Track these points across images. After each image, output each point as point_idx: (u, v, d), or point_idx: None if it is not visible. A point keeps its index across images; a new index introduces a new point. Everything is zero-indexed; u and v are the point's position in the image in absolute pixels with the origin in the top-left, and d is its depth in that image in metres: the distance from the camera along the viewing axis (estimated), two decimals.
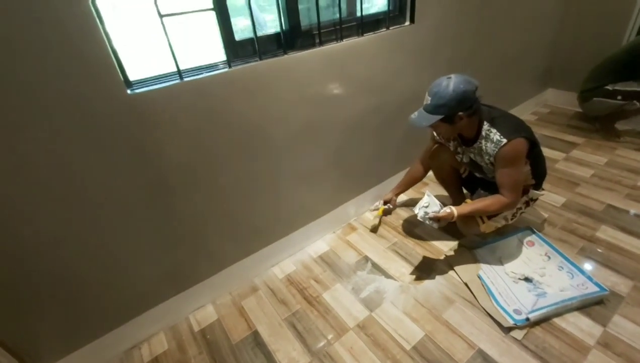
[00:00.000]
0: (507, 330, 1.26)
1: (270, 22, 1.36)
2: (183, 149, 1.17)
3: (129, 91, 1.01)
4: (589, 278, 1.38)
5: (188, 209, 1.28)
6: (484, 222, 1.46)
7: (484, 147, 1.35)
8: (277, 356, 1.27)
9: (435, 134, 1.57)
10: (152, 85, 1.06)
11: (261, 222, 1.53)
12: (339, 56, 1.44)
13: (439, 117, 1.25)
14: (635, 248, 1.53)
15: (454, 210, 1.34)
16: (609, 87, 2.22)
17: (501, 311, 1.31)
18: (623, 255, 1.51)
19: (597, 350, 1.18)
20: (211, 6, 1.12)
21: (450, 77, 1.26)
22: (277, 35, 1.33)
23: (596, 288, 1.33)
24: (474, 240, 1.64)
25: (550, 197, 1.89)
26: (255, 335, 1.34)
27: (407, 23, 1.64)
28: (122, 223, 1.15)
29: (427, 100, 1.29)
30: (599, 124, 2.45)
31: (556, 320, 1.28)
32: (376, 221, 1.77)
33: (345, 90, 1.53)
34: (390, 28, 1.58)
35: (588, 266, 1.46)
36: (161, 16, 1.01)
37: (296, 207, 1.63)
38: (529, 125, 1.37)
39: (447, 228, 1.71)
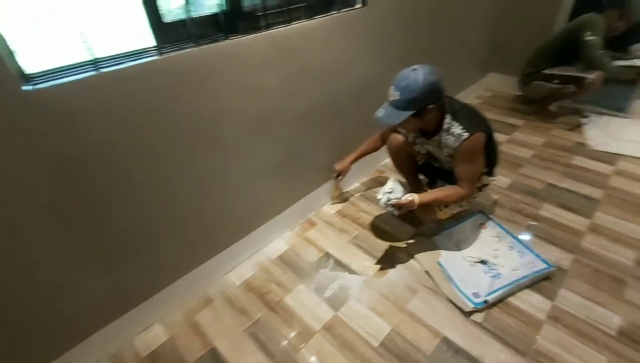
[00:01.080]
0: (468, 314, 1.29)
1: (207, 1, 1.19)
2: (110, 152, 0.99)
3: (26, 87, 0.81)
4: (537, 256, 1.45)
5: (125, 219, 1.10)
6: (441, 210, 1.48)
7: (444, 140, 1.33)
8: None
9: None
10: (58, 78, 0.86)
11: (213, 225, 1.39)
12: (288, 41, 1.32)
13: (411, 112, 1.20)
14: (573, 223, 1.65)
15: (416, 197, 1.32)
16: (547, 72, 2.36)
17: (461, 296, 1.34)
18: (564, 230, 1.62)
19: (548, 324, 1.25)
20: None
21: (415, 69, 1.20)
22: (215, 16, 1.17)
23: (544, 265, 1.41)
24: (432, 228, 1.66)
25: (498, 179, 1.98)
26: (214, 352, 1.23)
27: (360, 5, 1.56)
28: (44, 243, 0.95)
29: (395, 95, 1.22)
30: (535, 106, 2.61)
31: (510, 300, 1.34)
32: (336, 192, 1.82)
33: (297, 79, 1.42)
34: (342, 10, 1.49)
35: (535, 244, 1.54)
36: None
37: (251, 206, 1.52)
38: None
39: (406, 216, 1.72)
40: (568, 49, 2.29)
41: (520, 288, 1.36)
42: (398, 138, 1.59)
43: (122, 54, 1.00)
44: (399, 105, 1.22)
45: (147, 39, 1.07)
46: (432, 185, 1.75)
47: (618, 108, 2.49)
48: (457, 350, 1.19)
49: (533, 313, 1.28)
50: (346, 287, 1.43)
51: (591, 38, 2.14)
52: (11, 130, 0.81)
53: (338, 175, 1.73)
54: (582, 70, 2.27)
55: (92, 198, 1.00)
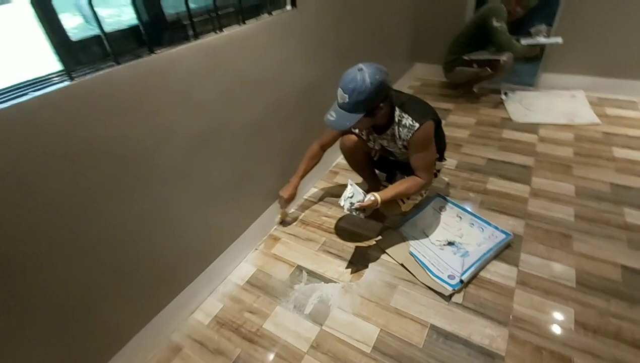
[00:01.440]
0: (449, 297, 1.31)
1: (110, 17, 1.04)
2: (20, 207, 0.80)
3: None
4: (495, 227, 1.54)
5: (56, 282, 0.91)
6: (404, 203, 1.49)
7: (397, 133, 1.34)
8: None
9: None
10: None
11: (166, 265, 1.23)
12: (221, 50, 1.21)
13: (362, 114, 1.18)
14: (516, 191, 1.79)
15: (378, 197, 1.31)
16: (466, 57, 2.55)
17: (439, 281, 1.35)
18: (510, 199, 1.75)
19: (519, 290, 1.32)
20: None
21: (361, 69, 1.18)
22: (135, 29, 1.02)
23: (503, 235, 1.49)
24: (396, 220, 1.67)
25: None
26: None
27: (289, 7, 1.51)
28: None
29: (344, 98, 1.19)
30: (461, 89, 2.82)
31: (482, 274, 1.39)
32: (282, 216, 1.75)
33: (235, 90, 1.32)
34: (273, 13, 1.43)
35: (490, 216, 1.63)
36: None
37: (207, 233, 1.37)
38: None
39: (371, 215, 1.71)
40: (480, 36, 2.50)
41: (488, 261, 1.42)
42: (351, 138, 1.58)
43: (21, 83, 0.81)
44: (349, 108, 1.20)
45: (53, 64, 0.90)
46: (390, 179, 1.77)
47: (528, 83, 2.79)
48: (447, 335, 1.20)
49: (504, 283, 1.35)
50: (326, 298, 1.37)
51: (498, 24, 2.36)
52: None
53: (286, 201, 1.61)
54: (495, 53, 2.50)
55: (10, 266, 0.80)
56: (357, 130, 1.54)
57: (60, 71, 0.87)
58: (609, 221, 1.57)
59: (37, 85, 0.81)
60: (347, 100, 1.18)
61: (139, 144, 1.02)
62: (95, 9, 0.86)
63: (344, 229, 1.69)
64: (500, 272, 1.39)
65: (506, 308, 1.26)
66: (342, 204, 1.29)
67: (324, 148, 1.62)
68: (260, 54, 1.39)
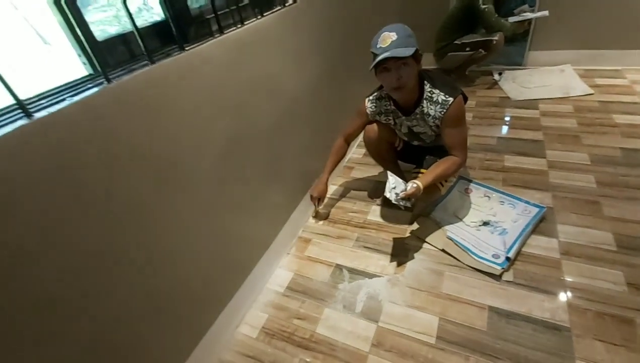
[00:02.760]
0: (500, 277, 1.29)
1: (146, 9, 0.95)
2: (55, 234, 0.70)
3: None
4: (527, 202, 1.54)
5: (99, 320, 0.80)
6: (442, 186, 1.46)
7: (427, 110, 1.31)
8: None
9: (371, 108, 1.47)
10: None
11: (206, 285, 1.13)
12: (245, 44, 1.14)
13: (414, 48, 1.16)
14: (535, 165, 1.81)
15: (419, 183, 1.27)
16: (458, 42, 2.58)
17: (484, 262, 1.33)
18: (532, 173, 1.76)
19: (565, 260, 1.32)
20: None
21: (387, 26, 1.20)
22: (160, 25, 0.94)
23: (537, 209, 1.50)
24: (425, 207, 1.65)
25: None
26: None
27: (291, 2, 1.44)
28: None
29: (392, 37, 1.15)
30: (454, 74, 2.85)
31: (524, 250, 1.38)
32: (319, 213, 1.70)
33: (260, 84, 1.25)
34: (286, 5, 1.36)
35: (517, 192, 1.64)
36: None
37: (241, 245, 1.29)
38: None
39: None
40: (468, 19, 2.54)
41: (528, 236, 1.42)
42: (374, 128, 1.54)
43: (56, 88, 0.72)
44: (401, 43, 1.15)
45: (76, 69, 0.80)
46: (419, 166, 1.74)
47: (517, 63, 2.87)
48: (508, 315, 1.17)
49: (548, 255, 1.35)
50: (374, 294, 1.32)
51: (485, 6, 2.40)
52: None
53: (319, 200, 1.59)
54: (485, 34, 2.55)
55: (45, 304, 0.70)
56: (382, 117, 1.49)
57: (93, 75, 0.77)
58: (628, 184, 1.61)
59: (73, 89, 0.72)
60: (395, 37, 1.15)
61: (179, 147, 0.94)
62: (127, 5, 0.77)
63: (375, 222, 1.65)
64: (541, 245, 1.39)
65: (558, 280, 1.26)
66: (388, 196, 1.24)
67: (348, 140, 1.58)
68: (277, 46, 1.33)
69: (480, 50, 2.52)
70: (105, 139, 0.74)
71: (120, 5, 0.77)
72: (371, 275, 1.39)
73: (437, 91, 1.28)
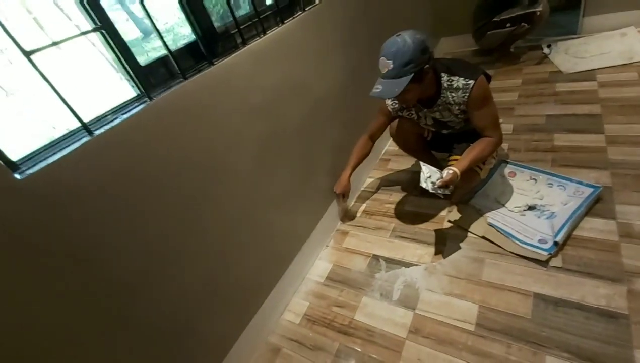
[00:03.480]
0: (546, 262, 1.22)
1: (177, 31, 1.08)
2: (119, 227, 0.83)
3: (17, 176, 0.66)
4: (579, 182, 1.43)
5: (152, 306, 0.93)
6: (481, 169, 1.41)
7: (449, 99, 1.29)
8: None
9: (392, 106, 1.48)
10: (48, 157, 0.71)
11: (252, 272, 1.24)
12: (267, 53, 1.23)
13: (409, 77, 1.13)
14: (591, 142, 1.65)
15: (455, 169, 1.23)
16: (497, 19, 2.43)
17: (529, 247, 1.27)
18: (586, 151, 1.61)
19: (625, 243, 1.20)
20: (93, 25, 0.80)
21: (399, 34, 1.15)
22: (191, 45, 1.06)
23: (591, 189, 1.38)
24: (465, 194, 1.59)
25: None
26: None
27: (318, 1, 1.50)
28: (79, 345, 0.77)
29: (388, 65, 1.15)
30: (497, 53, 2.68)
31: (576, 233, 1.29)
32: (344, 212, 1.72)
33: (284, 90, 1.33)
34: (306, 9, 1.43)
35: (569, 172, 1.52)
36: (27, 54, 0.68)
37: (281, 238, 1.38)
38: None
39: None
40: None
41: (580, 219, 1.31)
42: (399, 123, 1.53)
43: (110, 110, 0.86)
44: (396, 73, 1.14)
45: (128, 91, 0.94)
46: (451, 156, 1.70)
47: (570, 32, 2.60)
48: (556, 302, 1.11)
49: (605, 238, 1.24)
50: (411, 282, 1.33)
51: None
52: (19, 226, 0.65)
53: (343, 196, 1.60)
54: (527, 6, 2.36)
55: (111, 293, 0.84)
56: (405, 112, 1.49)
57: (138, 95, 0.91)
58: None
59: (123, 110, 0.85)
60: (391, 65, 1.14)
61: (215, 151, 1.06)
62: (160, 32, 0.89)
63: (411, 212, 1.64)
64: (597, 228, 1.28)
65: (616, 264, 1.15)
66: (424, 186, 1.23)
67: (373, 138, 1.58)
68: (299, 51, 1.39)
69: (522, 24, 2.34)
70: (149, 149, 0.87)
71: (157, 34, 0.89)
72: (408, 264, 1.40)
73: (455, 78, 1.24)
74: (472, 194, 1.58)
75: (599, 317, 1.04)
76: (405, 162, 1.97)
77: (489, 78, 1.32)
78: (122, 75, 0.91)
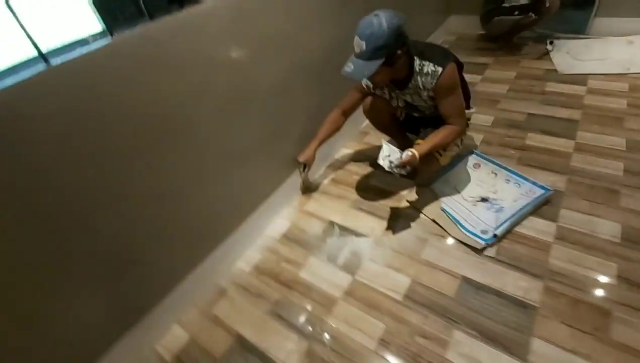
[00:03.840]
0: (481, 251, 1.31)
1: None
2: (77, 157, 0.87)
3: None
4: (533, 183, 1.49)
5: (109, 230, 1.00)
6: (441, 155, 1.46)
7: (419, 83, 1.30)
8: (272, 352, 1.15)
9: (366, 83, 1.47)
10: (3, 80, 0.74)
11: (206, 219, 1.32)
12: (249, 4, 1.20)
13: (381, 61, 1.14)
14: (559, 147, 1.69)
15: (415, 152, 1.28)
16: (506, 4, 2.35)
17: (471, 236, 1.35)
18: (552, 155, 1.66)
19: (557, 244, 1.29)
20: None
21: (377, 14, 1.15)
22: None
23: (542, 191, 1.44)
24: (428, 177, 1.65)
25: (480, 118, 1.98)
26: (240, 340, 1.19)
27: None
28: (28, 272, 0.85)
29: (361, 45, 1.15)
30: (501, 41, 2.62)
31: (517, 229, 1.37)
32: (305, 184, 1.71)
33: (262, 48, 1.32)
34: None
35: (529, 172, 1.57)
36: None
37: (242, 191, 1.44)
38: None
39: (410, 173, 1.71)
40: None
41: (524, 217, 1.39)
42: (372, 101, 1.54)
43: (71, 42, 0.87)
44: (367, 56, 1.16)
45: (94, 25, 0.94)
46: (420, 136, 1.73)
47: (578, 30, 2.53)
48: (479, 287, 1.21)
49: (540, 238, 1.32)
50: (358, 251, 1.42)
51: None
52: None
53: (304, 167, 1.58)
54: None
55: (70, 215, 0.90)
56: (378, 90, 1.49)
57: (102, 30, 0.91)
58: None
59: (84, 43, 0.86)
60: (364, 47, 1.15)
61: (175, 99, 1.07)
62: None
63: (375, 187, 1.70)
64: (537, 227, 1.36)
65: (542, 262, 1.24)
66: (381, 163, 1.27)
67: (345, 113, 1.57)
68: (287, 7, 1.36)
69: (530, 14, 2.27)
70: (107, 82, 0.89)
71: None
72: (359, 234, 1.49)
73: (426, 63, 1.26)
74: (434, 179, 1.63)
75: (511, 304, 1.15)
76: (383, 138, 1.99)
77: (460, 66, 1.33)
78: (90, 6, 0.90)
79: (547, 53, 2.43)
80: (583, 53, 2.33)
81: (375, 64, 1.15)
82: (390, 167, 1.27)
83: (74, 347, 1.01)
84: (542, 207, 1.42)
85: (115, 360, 1.10)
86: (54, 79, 0.79)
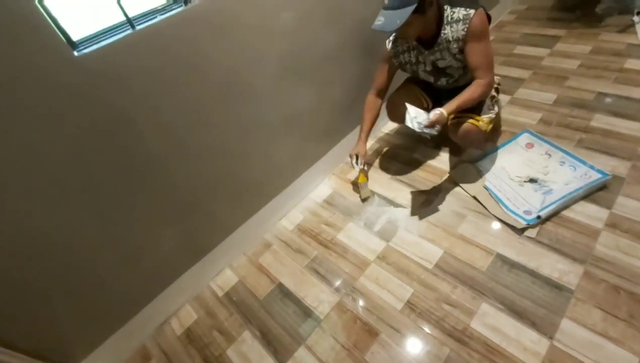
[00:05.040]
0: (521, 231, 1.30)
1: None
2: (153, 110, 1.02)
3: (75, 53, 0.85)
4: (591, 167, 1.40)
5: (179, 179, 1.17)
6: (478, 121, 1.37)
7: (449, 35, 1.25)
8: (307, 301, 1.28)
9: (393, 48, 1.42)
10: (101, 41, 0.89)
11: (260, 177, 1.45)
12: None
13: (413, 7, 1.10)
14: (628, 130, 1.55)
15: (443, 110, 1.23)
16: None
17: (512, 215, 1.34)
18: (618, 138, 1.53)
19: (606, 232, 1.24)
20: None
21: None
22: None
23: (599, 175, 1.36)
24: (475, 153, 1.63)
25: (540, 96, 1.86)
26: (280, 287, 1.35)
27: None
28: (110, 204, 1.05)
29: None
30: (579, 11, 2.35)
31: (565, 213, 1.32)
32: (366, 192, 1.58)
33: (323, 14, 1.36)
34: None
35: (588, 156, 1.48)
36: None
37: (292, 155, 1.55)
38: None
39: (447, 145, 1.70)
40: None
41: (574, 201, 1.33)
42: (396, 101, 1.52)
43: (151, 10, 1.00)
44: (398, 4, 1.11)
45: None
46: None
47: None
48: (513, 264, 1.22)
49: (589, 223, 1.27)
50: (394, 220, 1.48)
51: None
52: (67, 95, 0.85)
53: (358, 162, 1.51)
54: None
55: (147, 159, 1.07)
56: (405, 56, 1.42)
57: None
58: None
59: (163, 11, 0.99)
60: None
61: (239, 63, 1.18)
62: None
63: (417, 160, 1.72)
64: (587, 213, 1.30)
65: (586, 247, 1.21)
66: (410, 125, 1.23)
67: (380, 94, 1.52)
68: None
69: None
70: (182, 45, 1.01)
71: None
72: (397, 205, 1.54)
73: (457, 9, 1.21)
74: (481, 156, 1.60)
75: (545, 284, 1.15)
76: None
77: (489, 17, 1.26)
78: None
79: (633, 25, 2.14)
80: None
81: (407, 12, 1.10)
82: (420, 127, 1.22)
83: (154, 273, 1.23)
84: (597, 193, 1.35)
85: (180, 289, 1.32)
86: (139, 40, 0.93)
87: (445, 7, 1.23)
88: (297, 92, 1.44)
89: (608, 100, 1.73)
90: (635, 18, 2.15)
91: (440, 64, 1.36)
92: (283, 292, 1.33)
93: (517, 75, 2.05)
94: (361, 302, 1.24)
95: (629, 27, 2.15)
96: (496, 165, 1.56)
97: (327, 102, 1.60)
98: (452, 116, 1.30)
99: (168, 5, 1.01)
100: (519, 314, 1.10)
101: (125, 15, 0.91)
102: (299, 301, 1.29)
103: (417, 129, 1.22)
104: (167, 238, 1.23)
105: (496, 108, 1.47)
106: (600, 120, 1.64)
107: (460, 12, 1.21)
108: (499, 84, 1.52)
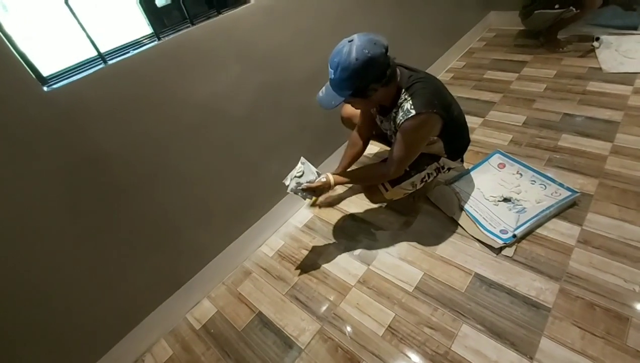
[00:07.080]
0: (498, 250, 1.32)
1: None
2: (124, 143, 1.02)
3: (45, 88, 0.85)
4: (560, 185, 1.45)
5: (152, 209, 1.15)
6: (387, 190, 1.32)
7: (396, 117, 1.17)
8: (287, 330, 1.25)
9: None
10: (72, 76, 0.89)
11: (237, 205, 1.44)
12: (280, 7, 1.30)
13: (347, 93, 1.05)
14: (594, 149, 1.63)
15: (331, 178, 1.24)
16: None
17: (489, 235, 1.36)
18: (585, 157, 1.60)
19: (579, 248, 1.26)
20: None
21: (352, 40, 1.00)
22: None
23: (568, 193, 1.41)
24: (450, 175, 1.66)
25: (511, 117, 1.95)
26: (260, 316, 1.31)
27: None
28: (75, 245, 1.02)
29: (330, 73, 1.05)
30: (542, 37, 2.50)
31: (538, 231, 1.35)
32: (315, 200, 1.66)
33: (293, 45, 1.41)
34: None
35: (557, 174, 1.53)
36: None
37: (271, 180, 1.55)
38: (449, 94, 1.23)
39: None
40: None
41: (547, 219, 1.37)
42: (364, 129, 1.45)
43: (124, 45, 1.02)
44: (335, 86, 1.06)
45: (144, 29, 1.08)
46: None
47: (631, 26, 2.36)
48: (491, 284, 1.23)
49: (562, 241, 1.30)
50: (374, 243, 1.48)
51: None
52: (43, 129, 0.85)
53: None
54: None
55: (119, 191, 1.05)
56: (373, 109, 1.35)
57: (150, 33, 1.05)
58: None
59: (135, 45, 1.01)
60: (332, 76, 1.04)
61: (213, 95, 1.20)
62: None
63: None
64: (559, 230, 1.33)
65: (561, 265, 1.23)
66: (286, 183, 1.21)
67: (361, 131, 1.43)
68: (316, 9, 1.44)
69: (571, 8, 2.15)
70: (154, 78, 1.03)
71: None
72: (377, 228, 1.54)
73: (409, 99, 1.10)
74: (457, 178, 1.64)
75: (522, 304, 1.15)
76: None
77: (449, 121, 1.18)
78: (141, 14, 1.05)
79: (593, 50, 2.29)
80: (633, 50, 2.17)
81: (340, 97, 1.06)
82: (294, 189, 1.20)
83: (127, 307, 1.19)
84: (568, 210, 1.39)
85: (154, 323, 1.27)
86: (111, 75, 0.94)
87: (404, 90, 1.13)
88: (275, 120, 1.46)
89: (574, 120, 1.82)
90: (595, 43, 2.30)
91: (384, 129, 1.35)
92: (263, 321, 1.29)
93: (488, 99, 2.14)
94: (342, 329, 1.21)
95: (589, 52, 2.30)
96: (472, 185, 1.59)
97: (304, 129, 1.63)
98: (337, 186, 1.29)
99: (140, 41, 1.03)
100: (498, 335, 1.10)
101: (97, 50, 0.93)
102: (280, 330, 1.26)
103: (288, 190, 1.22)
104: (141, 271, 1.19)
105: (418, 186, 1.36)
106: (567, 140, 1.71)
107: (407, 104, 1.10)
108: (442, 167, 1.39)
